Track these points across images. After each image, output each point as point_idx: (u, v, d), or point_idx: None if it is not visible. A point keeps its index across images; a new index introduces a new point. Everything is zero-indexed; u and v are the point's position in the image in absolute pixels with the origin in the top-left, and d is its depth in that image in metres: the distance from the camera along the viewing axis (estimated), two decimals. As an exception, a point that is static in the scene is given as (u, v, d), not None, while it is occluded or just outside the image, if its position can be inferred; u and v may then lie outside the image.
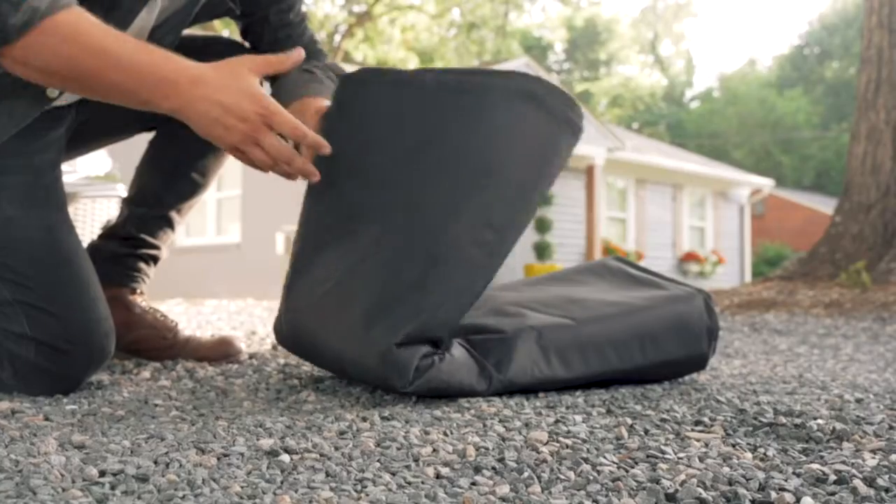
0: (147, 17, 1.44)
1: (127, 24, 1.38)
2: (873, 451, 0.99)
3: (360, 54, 25.73)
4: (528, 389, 1.38)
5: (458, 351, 1.33)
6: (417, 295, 1.25)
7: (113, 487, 0.80)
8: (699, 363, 1.58)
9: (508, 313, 1.48)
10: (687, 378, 1.63)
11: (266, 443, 0.95)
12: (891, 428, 1.14)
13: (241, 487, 0.81)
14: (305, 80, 1.60)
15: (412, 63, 26.79)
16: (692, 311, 1.54)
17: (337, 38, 26.39)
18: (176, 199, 1.84)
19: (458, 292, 1.29)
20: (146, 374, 1.64)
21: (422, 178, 1.30)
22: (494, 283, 1.51)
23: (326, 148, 1.30)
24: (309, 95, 1.52)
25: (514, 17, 33.01)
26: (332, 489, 0.81)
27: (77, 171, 2.71)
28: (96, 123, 1.65)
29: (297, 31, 1.70)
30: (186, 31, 1.64)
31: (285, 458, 0.90)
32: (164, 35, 1.49)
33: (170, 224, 1.84)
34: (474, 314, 1.50)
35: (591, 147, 12.82)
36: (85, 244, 1.80)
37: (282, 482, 0.83)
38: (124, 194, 1.90)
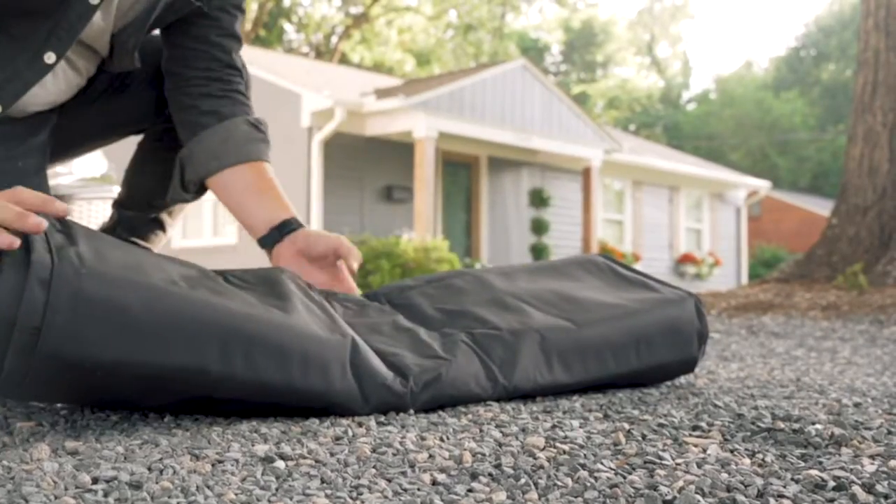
0: (105, 21, 1.42)
1: (77, 30, 1.36)
2: (872, 457, 0.99)
3: (357, 56, 25.74)
4: (529, 395, 1.37)
5: (463, 354, 1.30)
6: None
7: (106, 494, 0.80)
8: (689, 366, 1.58)
9: (508, 307, 1.45)
10: (684, 382, 1.63)
11: (261, 449, 0.95)
12: (889, 433, 1.14)
13: (236, 495, 0.80)
14: (257, 138, 1.56)
15: (409, 64, 26.80)
16: (683, 315, 1.54)
17: (334, 39, 26.41)
18: (167, 202, 1.81)
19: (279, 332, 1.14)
20: (141, 377, 1.63)
21: None
22: (485, 265, 1.46)
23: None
24: (261, 159, 1.54)
25: (510, 19, 33.07)
26: (327, 496, 0.80)
27: (73, 172, 2.70)
28: (85, 126, 1.64)
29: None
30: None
31: (280, 464, 0.90)
32: (128, 38, 1.47)
33: (161, 226, 1.83)
34: (474, 300, 1.46)
35: (587, 149, 12.84)
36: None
37: (277, 489, 0.82)
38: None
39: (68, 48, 1.37)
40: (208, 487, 0.82)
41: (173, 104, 1.60)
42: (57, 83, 1.45)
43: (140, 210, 1.81)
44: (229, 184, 1.54)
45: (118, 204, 1.84)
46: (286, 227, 1.52)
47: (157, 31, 1.59)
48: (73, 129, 1.61)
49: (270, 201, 1.54)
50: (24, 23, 1.33)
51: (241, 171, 1.54)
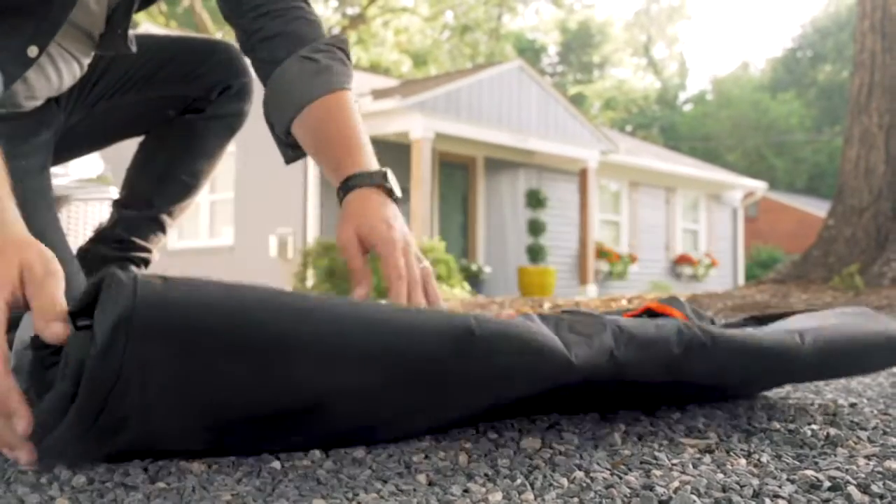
0: (99, 4, 1.41)
1: (59, 22, 1.35)
2: (867, 457, 0.99)
3: (354, 56, 25.73)
4: None
5: None
6: None
7: (101, 495, 0.79)
8: None
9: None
10: (680, 382, 1.62)
11: (257, 449, 0.94)
12: (885, 433, 1.14)
13: (232, 496, 0.80)
14: (310, 72, 1.34)
15: (406, 65, 26.80)
16: None
17: (330, 40, 26.38)
18: (167, 202, 1.81)
19: None
20: (137, 378, 1.63)
21: None
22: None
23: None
24: (321, 96, 1.32)
25: (507, 20, 33.07)
26: (322, 497, 0.80)
27: (69, 173, 2.70)
28: (87, 127, 1.64)
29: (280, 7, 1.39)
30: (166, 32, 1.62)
31: (276, 465, 0.89)
32: (120, 21, 1.47)
33: (161, 227, 1.83)
34: None
35: (584, 150, 12.84)
36: (77, 247, 1.79)
37: (272, 490, 0.82)
38: (117, 197, 1.88)
39: (51, 40, 1.36)
40: (204, 489, 0.82)
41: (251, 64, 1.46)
42: (58, 72, 1.46)
43: (140, 210, 1.80)
44: (301, 139, 1.37)
45: (118, 203, 1.83)
46: (343, 189, 1.31)
47: (162, 31, 1.59)
48: (77, 129, 1.61)
49: (329, 157, 1.34)
50: (8, 19, 1.32)
51: (302, 122, 1.34)
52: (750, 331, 1.10)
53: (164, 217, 1.82)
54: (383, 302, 0.86)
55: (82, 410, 0.74)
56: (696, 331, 1.03)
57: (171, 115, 1.71)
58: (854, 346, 1.18)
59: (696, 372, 1.07)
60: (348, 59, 1.40)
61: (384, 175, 1.29)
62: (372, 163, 1.32)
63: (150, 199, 1.80)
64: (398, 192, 1.30)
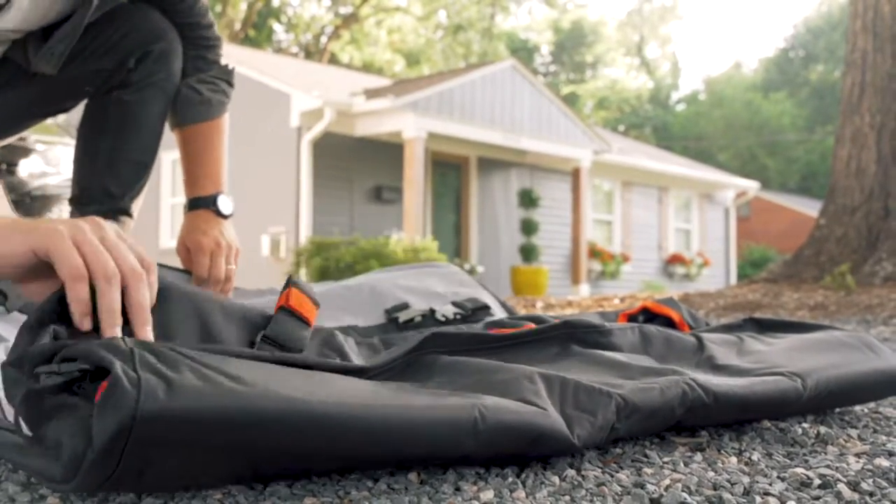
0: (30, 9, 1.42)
1: None
2: (857, 455, 0.99)
3: (347, 56, 25.72)
4: None
5: None
6: None
7: (92, 494, 0.79)
8: None
9: None
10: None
11: (248, 448, 0.94)
12: (875, 431, 1.14)
13: (223, 494, 0.80)
14: (192, 101, 1.72)
15: (399, 65, 26.79)
16: None
17: (323, 39, 26.38)
18: (124, 186, 1.71)
19: None
20: (129, 378, 1.62)
21: None
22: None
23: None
24: (195, 122, 1.72)
25: (500, 20, 33.08)
26: (314, 495, 0.80)
27: (61, 172, 2.69)
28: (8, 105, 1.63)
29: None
30: None
31: (268, 463, 0.89)
32: (56, 43, 1.49)
33: (126, 213, 1.73)
34: None
35: (577, 150, 12.85)
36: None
37: (263, 488, 0.82)
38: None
39: None
40: (196, 488, 0.82)
41: None
42: None
43: (100, 203, 1.69)
44: (178, 143, 1.76)
45: (76, 202, 1.73)
46: (187, 207, 1.70)
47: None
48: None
49: (187, 172, 1.73)
50: None
51: (180, 134, 1.76)
52: (752, 381, 1.11)
53: (127, 202, 1.73)
54: (392, 395, 0.86)
55: (79, 487, 0.74)
56: (700, 392, 1.03)
57: (89, 91, 1.67)
58: (853, 387, 1.20)
59: (694, 424, 1.10)
60: (230, 86, 1.80)
61: (215, 199, 1.67)
62: (216, 187, 1.70)
63: (106, 189, 1.70)
64: (226, 211, 1.69)
